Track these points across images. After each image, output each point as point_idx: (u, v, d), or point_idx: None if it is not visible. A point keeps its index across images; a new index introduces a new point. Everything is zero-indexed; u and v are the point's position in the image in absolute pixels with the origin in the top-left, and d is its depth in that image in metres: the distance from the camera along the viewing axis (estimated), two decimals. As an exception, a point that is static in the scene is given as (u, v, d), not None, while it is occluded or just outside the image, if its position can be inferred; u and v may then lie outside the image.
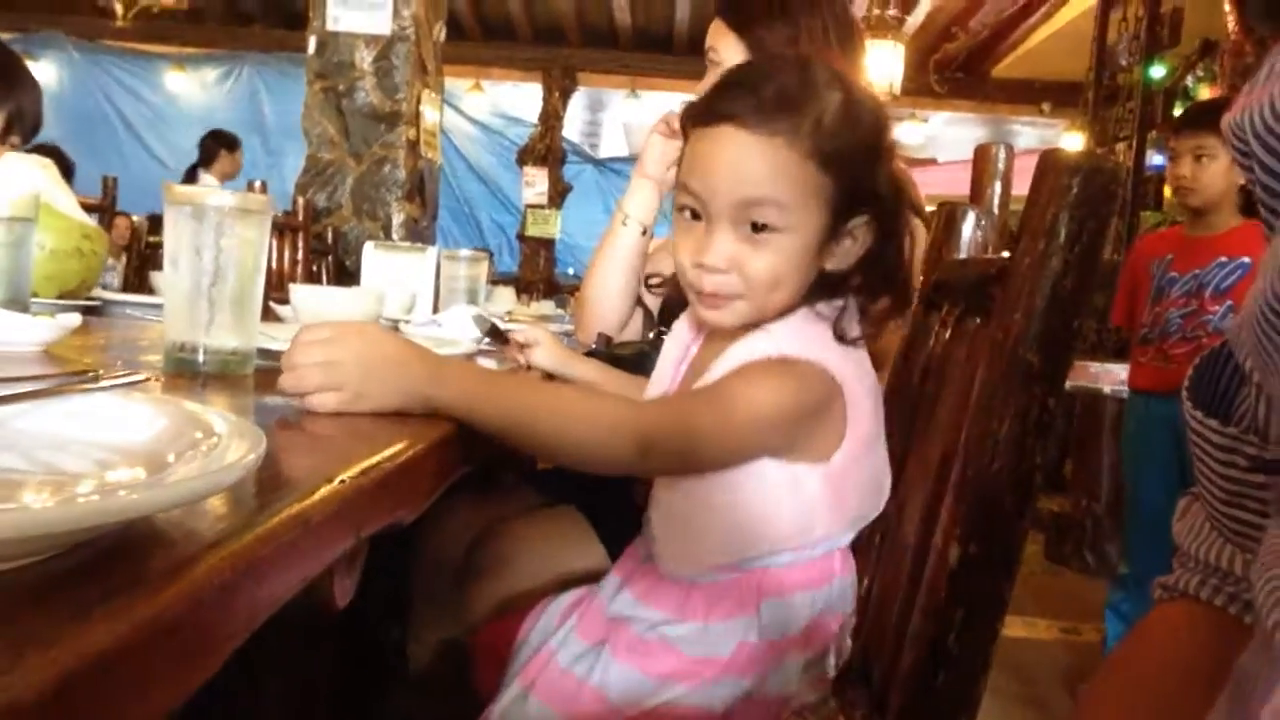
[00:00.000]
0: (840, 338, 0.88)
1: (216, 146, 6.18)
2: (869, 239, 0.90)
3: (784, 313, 0.90)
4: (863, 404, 0.88)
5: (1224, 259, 2.50)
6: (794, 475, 0.87)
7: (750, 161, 0.85)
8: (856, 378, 0.88)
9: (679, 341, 1.03)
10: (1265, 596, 0.43)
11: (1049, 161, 0.76)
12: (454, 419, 0.75)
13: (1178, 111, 5.19)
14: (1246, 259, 2.48)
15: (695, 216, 0.89)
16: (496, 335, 1.33)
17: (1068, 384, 0.80)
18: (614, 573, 1.00)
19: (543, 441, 0.81)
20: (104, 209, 3.11)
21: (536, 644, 1.00)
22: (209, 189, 0.88)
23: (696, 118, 0.90)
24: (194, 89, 9.57)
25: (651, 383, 1.05)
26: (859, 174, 0.87)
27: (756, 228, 0.86)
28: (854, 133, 0.87)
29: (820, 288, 0.91)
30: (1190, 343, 2.54)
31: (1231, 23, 4.33)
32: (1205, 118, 2.63)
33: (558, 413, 0.81)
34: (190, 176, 6.18)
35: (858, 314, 0.90)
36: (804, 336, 0.88)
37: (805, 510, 0.88)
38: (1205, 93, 5.03)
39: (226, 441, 0.43)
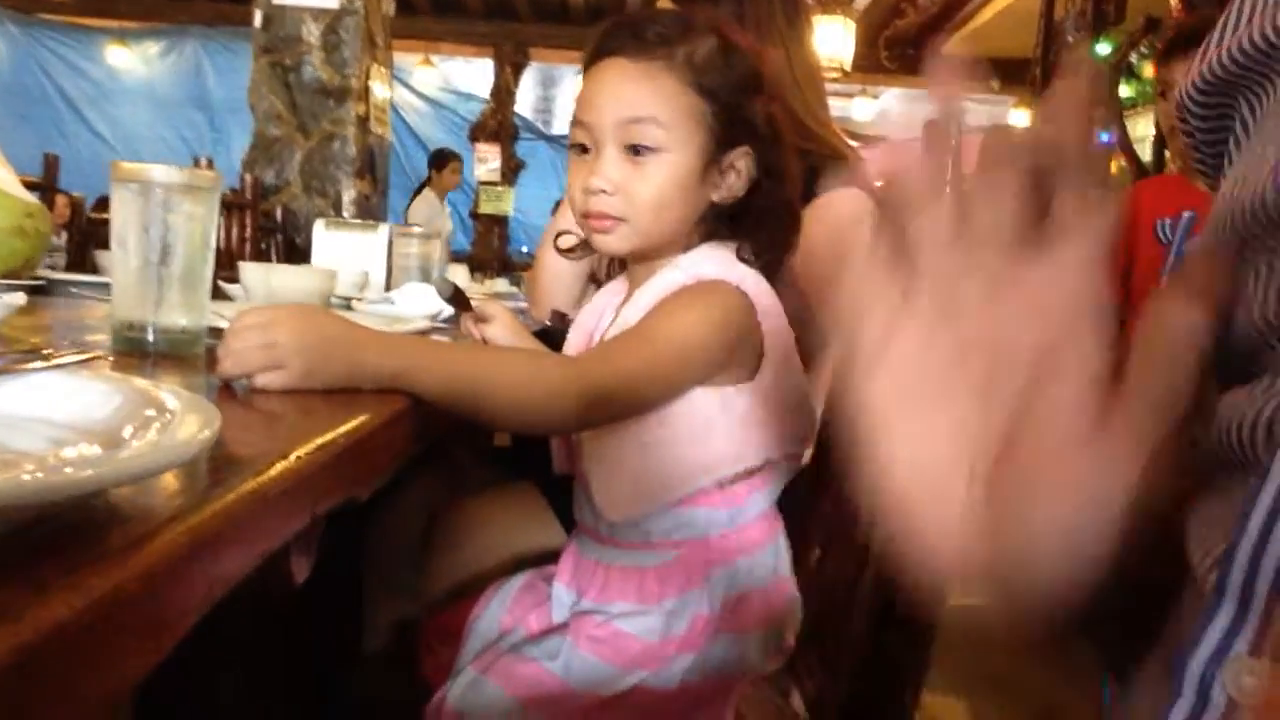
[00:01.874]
0: (742, 259, 0.94)
1: (438, 162, 6.77)
2: (751, 173, 0.95)
3: (677, 243, 0.95)
4: (775, 319, 0.93)
5: None
6: (722, 397, 0.90)
7: (629, 84, 0.92)
8: (765, 294, 0.92)
9: (609, 293, 1.05)
10: (1196, 549, 0.44)
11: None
12: (402, 390, 0.75)
13: (1122, 89, 5.27)
14: None
15: (585, 151, 0.94)
16: (460, 301, 1.33)
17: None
18: (560, 580, 1.00)
19: (489, 406, 0.81)
20: (46, 187, 3.04)
21: (490, 627, 1.00)
22: (154, 165, 0.87)
23: (586, 63, 0.96)
24: (136, 64, 9.36)
25: (572, 329, 1.07)
26: (735, 106, 0.93)
27: (639, 150, 0.91)
28: (729, 70, 0.93)
29: (714, 225, 0.96)
30: None
31: None
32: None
33: (501, 374, 0.82)
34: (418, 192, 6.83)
35: (752, 252, 0.95)
36: (711, 260, 0.93)
37: (738, 430, 0.91)
38: (1149, 69, 5.11)
39: (180, 418, 0.43)
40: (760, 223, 0.96)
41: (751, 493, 0.94)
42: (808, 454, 1.13)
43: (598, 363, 0.88)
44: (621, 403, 0.86)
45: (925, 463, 0.37)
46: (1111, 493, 0.34)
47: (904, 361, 0.37)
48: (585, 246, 1.09)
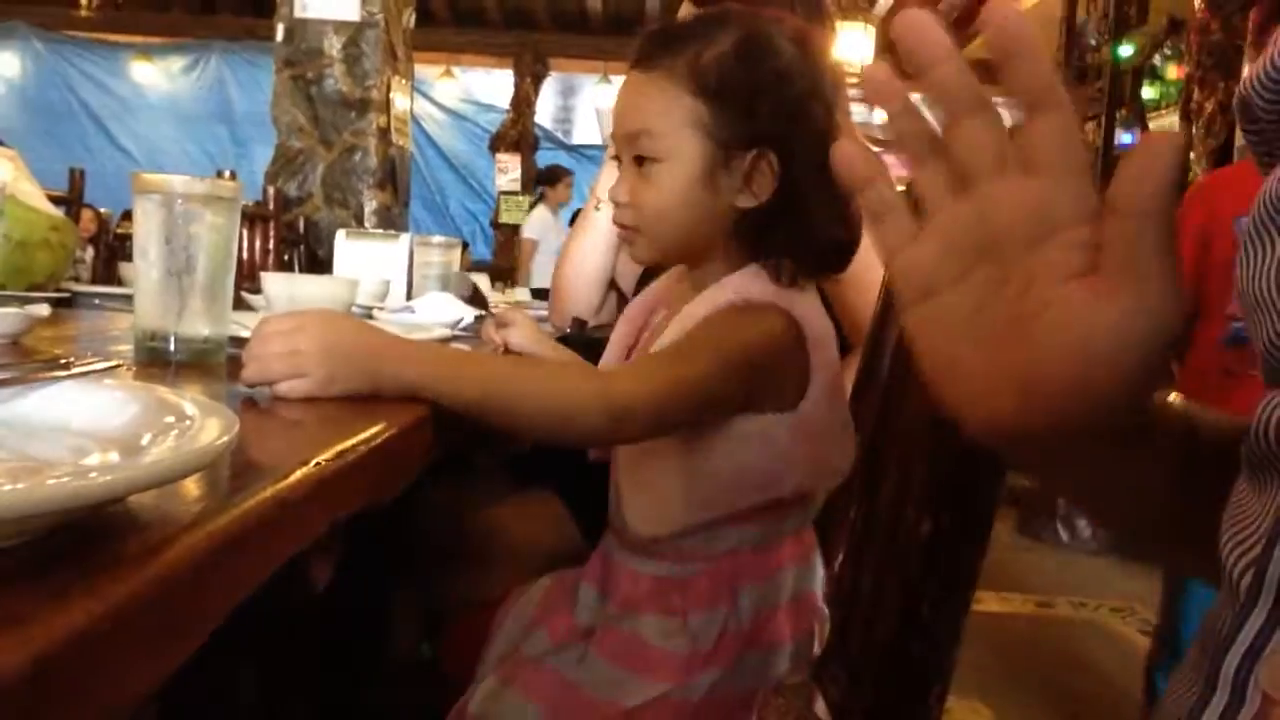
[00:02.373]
0: (786, 281, 0.90)
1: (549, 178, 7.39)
2: (775, 170, 0.89)
3: (711, 251, 0.94)
4: (825, 346, 0.90)
5: None
6: (763, 426, 0.87)
7: (629, 98, 0.93)
8: (818, 320, 0.90)
9: (642, 307, 1.04)
10: (1232, 548, 0.44)
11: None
12: (425, 399, 0.74)
13: (1146, 90, 5.23)
14: None
15: (620, 165, 0.95)
16: (478, 302, 1.33)
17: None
18: (587, 580, 0.99)
19: (515, 416, 0.79)
20: (71, 201, 3.07)
21: (513, 635, 1.00)
22: (176, 176, 0.87)
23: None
24: (160, 79, 9.46)
25: (610, 344, 1.06)
26: (746, 105, 0.89)
27: (643, 161, 0.91)
28: (743, 69, 0.89)
29: (754, 237, 0.92)
30: None
31: (1198, 0, 4.37)
32: None
33: (529, 385, 0.80)
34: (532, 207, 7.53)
35: (805, 262, 0.91)
36: (760, 282, 0.90)
37: (776, 461, 0.89)
38: (1173, 71, 5.07)
39: (199, 424, 0.43)
40: (798, 228, 0.90)
41: (786, 515, 0.93)
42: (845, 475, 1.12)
43: (628, 378, 0.86)
44: (650, 420, 0.83)
45: (945, 333, 0.43)
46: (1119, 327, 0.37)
47: (924, 251, 0.42)
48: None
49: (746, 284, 0.90)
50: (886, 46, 7.17)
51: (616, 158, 0.96)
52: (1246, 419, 0.52)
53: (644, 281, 1.39)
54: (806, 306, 0.90)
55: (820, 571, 0.97)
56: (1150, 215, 0.35)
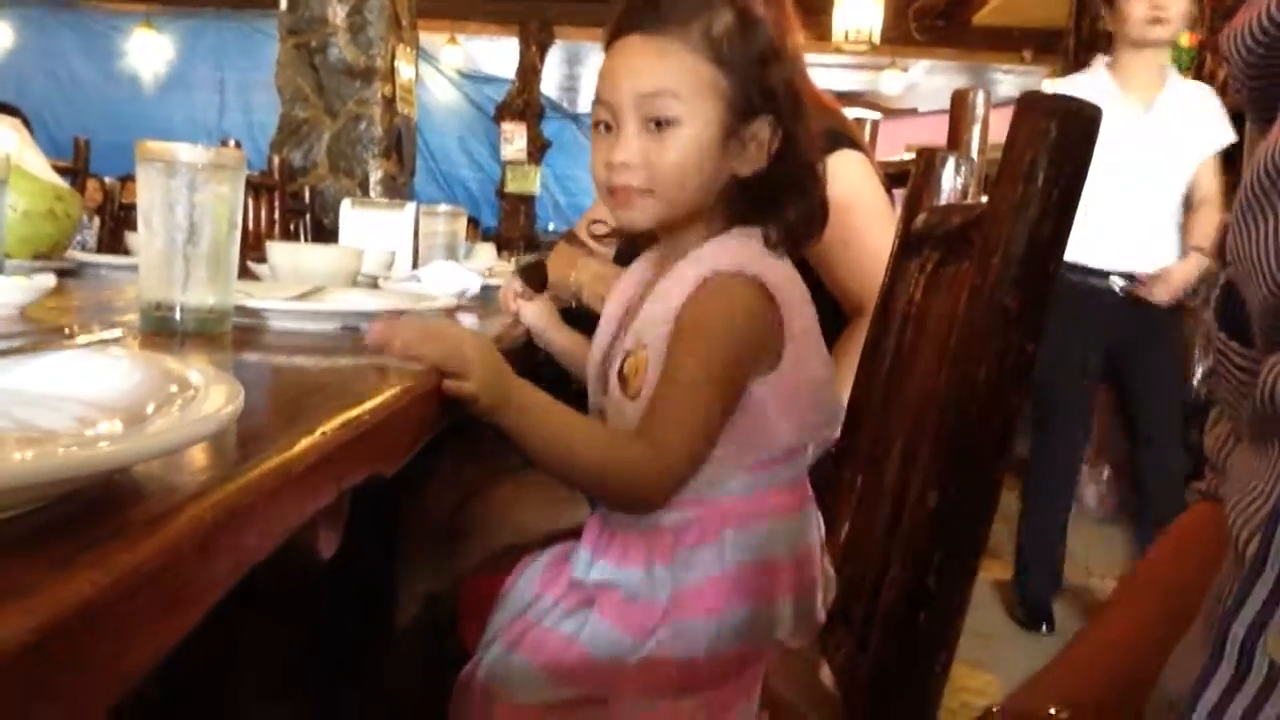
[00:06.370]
0: (770, 245, 0.94)
1: None
2: (773, 142, 0.95)
3: (700, 217, 0.96)
4: (799, 308, 0.92)
5: None
6: (746, 391, 0.90)
7: (645, 59, 0.93)
8: (789, 283, 0.92)
9: (632, 281, 1.04)
10: (1236, 515, 0.44)
11: (1027, 104, 0.76)
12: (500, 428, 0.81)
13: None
14: None
15: (608, 129, 0.95)
16: (530, 275, 1.33)
17: (1046, 329, 0.82)
18: (583, 545, 1.00)
19: (571, 477, 0.89)
20: (76, 171, 3.06)
21: (520, 601, 1.01)
22: (180, 145, 0.87)
23: (606, 41, 0.97)
24: (162, 48, 9.40)
25: (596, 336, 1.06)
26: (752, 75, 0.94)
27: (659, 124, 0.92)
28: (747, 41, 0.94)
29: (739, 203, 0.96)
30: None
31: (1211, -34, 4.31)
32: None
33: (590, 453, 0.86)
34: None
35: (781, 232, 0.95)
36: (731, 250, 0.93)
37: (762, 422, 0.91)
38: (1185, 38, 5.01)
39: (204, 394, 0.43)
40: (786, 195, 0.95)
41: (774, 468, 0.93)
42: (836, 432, 1.12)
43: (672, 436, 0.87)
44: (699, 460, 0.88)
45: None
46: None
47: None
48: (619, 233, 1.09)
49: (717, 255, 0.92)
50: (899, 11, 7.12)
51: (601, 124, 0.96)
52: None
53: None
54: (776, 271, 0.92)
55: (819, 529, 0.97)
56: None
